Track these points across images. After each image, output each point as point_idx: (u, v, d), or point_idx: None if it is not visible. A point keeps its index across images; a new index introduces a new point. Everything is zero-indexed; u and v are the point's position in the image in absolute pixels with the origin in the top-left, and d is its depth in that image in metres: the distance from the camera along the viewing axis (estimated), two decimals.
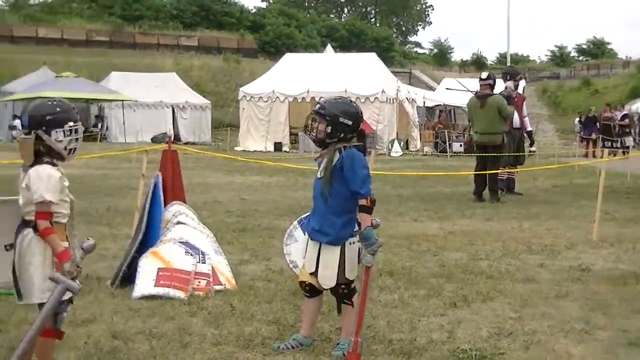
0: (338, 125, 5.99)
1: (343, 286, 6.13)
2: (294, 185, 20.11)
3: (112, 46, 66.88)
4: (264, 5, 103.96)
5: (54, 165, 5.34)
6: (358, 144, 6.10)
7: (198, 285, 8.18)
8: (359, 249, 6.12)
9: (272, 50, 74.14)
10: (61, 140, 5.29)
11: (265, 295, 8.14)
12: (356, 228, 6.11)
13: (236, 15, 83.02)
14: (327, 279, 6.10)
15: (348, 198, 6.00)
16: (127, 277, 8.33)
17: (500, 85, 18.19)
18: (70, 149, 5.36)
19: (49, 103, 5.38)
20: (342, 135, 6.01)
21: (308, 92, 38.18)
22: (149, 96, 45.47)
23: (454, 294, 8.26)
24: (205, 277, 8.27)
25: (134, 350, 6.30)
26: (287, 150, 38.02)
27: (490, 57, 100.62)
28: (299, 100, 39.10)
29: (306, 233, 6.37)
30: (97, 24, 70.74)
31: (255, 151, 37.45)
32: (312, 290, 6.30)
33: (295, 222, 7.13)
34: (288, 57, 44.44)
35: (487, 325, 7.10)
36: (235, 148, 38.32)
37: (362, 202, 5.94)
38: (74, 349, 6.30)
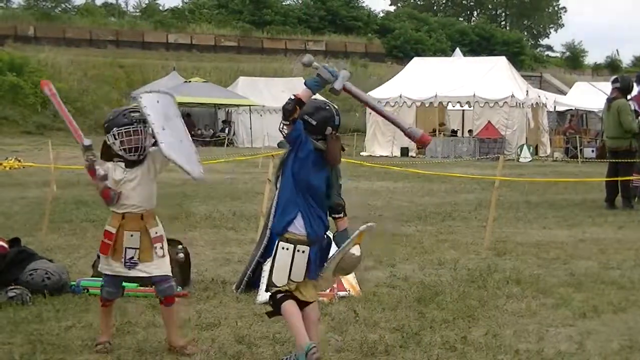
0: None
1: None
2: (420, 191, 19.96)
3: (240, 51, 67.27)
4: (392, 9, 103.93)
5: (117, 162, 6.31)
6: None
7: (322, 291, 8.15)
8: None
9: (400, 54, 73.71)
10: (113, 143, 6.23)
11: (390, 302, 8.09)
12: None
13: (364, 19, 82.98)
14: None
15: None
16: (252, 282, 8.38)
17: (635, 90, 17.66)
18: (125, 149, 6.22)
19: (111, 112, 6.41)
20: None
21: (436, 96, 37.86)
22: (276, 101, 45.68)
23: (583, 304, 8.03)
24: None
25: (257, 355, 6.35)
26: (414, 155, 37.67)
27: (626, 60, 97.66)
28: (427, 105, 38.79)
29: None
30: (225, 29, 71.49)
31: (381, 156, 37.41)
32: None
33: None
34: (416, 61, 44.16)
35: (619, 338, 6.88)
36: (361, 153, 38.22)
37: None
38: (199, 352, 6.36)
